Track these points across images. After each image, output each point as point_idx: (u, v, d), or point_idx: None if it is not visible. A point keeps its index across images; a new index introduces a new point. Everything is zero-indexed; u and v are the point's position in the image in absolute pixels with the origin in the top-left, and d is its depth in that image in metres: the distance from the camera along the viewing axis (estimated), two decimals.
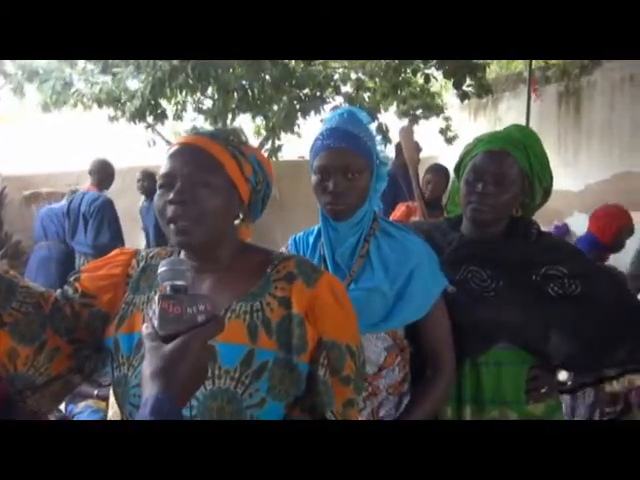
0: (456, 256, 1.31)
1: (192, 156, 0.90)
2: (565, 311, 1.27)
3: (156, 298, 0.70)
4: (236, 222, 0.94)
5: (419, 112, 6.13)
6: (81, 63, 5.37)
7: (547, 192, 1.39)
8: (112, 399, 2.76)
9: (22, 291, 0.93)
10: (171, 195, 0.87)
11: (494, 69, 6.74)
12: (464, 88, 5.52)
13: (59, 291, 0.99)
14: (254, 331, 0.88)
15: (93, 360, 0.99)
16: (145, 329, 0.71)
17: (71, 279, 1.00)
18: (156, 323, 0.69)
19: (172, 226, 0.88)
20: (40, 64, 5.38)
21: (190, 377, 0.68)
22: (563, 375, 1.54)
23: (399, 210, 3.34)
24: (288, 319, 0.89)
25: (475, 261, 1.31)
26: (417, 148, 4.10)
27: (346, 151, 1.14)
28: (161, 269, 0.74)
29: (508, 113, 6.32)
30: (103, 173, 4.19)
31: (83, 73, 5.36)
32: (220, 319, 0.74)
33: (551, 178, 1.38)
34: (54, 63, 5.32)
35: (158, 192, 0.91)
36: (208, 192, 0.88)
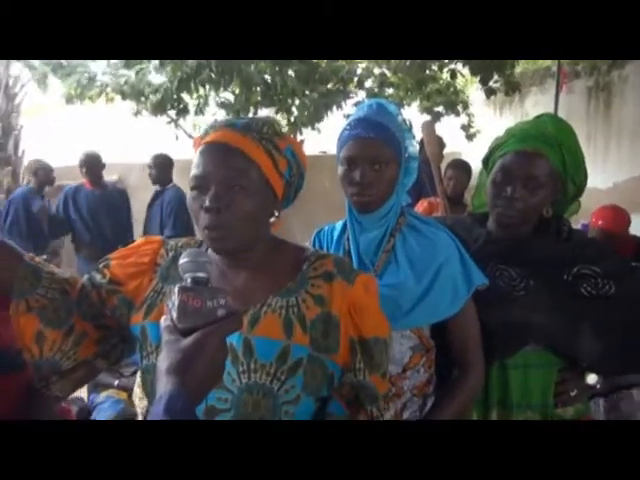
0: (483, 253, 1.25)
1: (226, 157, 0.87)
2: (598, 312, 1.22)
3: (176, 290, 0.68)
4: (271, 220, 0.93)
5: (441, 108, 6.05)
6: None
7: (580, 189, 1.34)
8: (137, 390, 2.81)
9: (47, 277, 0.94)
10: (206, 202, 0.85)
11: (521, 64, 6.60)
12: (491, 84, 5.42)
13: (86, 277, 0.99)
14: (289, 327, 0.87)
15: (119, 348, 1.00)
16: (163, 321, 0.70)
17: (100, 266, 1.00)
18: (175, 315, 0.68)
19: (207, 232, 0.87)
20: None
21: (206, 373, 0.66)
22: (592, 378, 1.48)
23: (421, 206, 3.30)
24: (323, 318, 0.88)
25: (503, 259, 1.26)
26: (440, 144, 4.04)
27: (374, 141, 1.12)
28: (182, 260, 0.72)
29: (535, 109, 6.20)
30: (92, 167, 4.07)
31: (107, 67, 5.42)
32: (240, 315, 0.72)
33: (585, 176, 1.32)
34: None
35: (191, 194, 0.89)
36: (243, 196, 0.86)
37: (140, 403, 2.71)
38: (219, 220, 0.85)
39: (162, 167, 4.20)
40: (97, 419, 2.88)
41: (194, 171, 0.88)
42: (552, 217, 1.31)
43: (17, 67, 5.62)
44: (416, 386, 1.17)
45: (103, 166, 4.17)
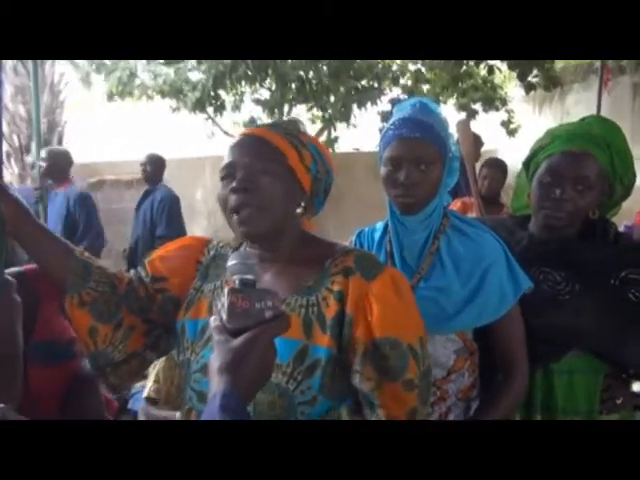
0: (526, 256, 1.22)
1: (252, 146, 0.91)
2: None
3: (225, 291, 0.70)
4: (298, 210, 0.93)
5: (478, 105, 5.93)
6: None
7: (628, 191, 1.30)
8: (154, 372, 2.92)
9: (97, 271, 0.98)
10: (234, 184, 0.88)
11: None
12: (529, 79, 5.29)
13: (133, 272, 1.03)
14: (309, 326, 0.87)
15: (165, 339, 1.02)
16: (213, 322, 0.71)
17: (145, 261, 1.03)
18: (224, 316, 0.69)
19: (235, 216, 0.88)
20: None
21: (256, 373, 0.67)
22: (638, 386, 1.44)
23: (454, 206, 3.24)
24: (341, 315, 0.87)
25: (547, 262, 1.23)
26: (478, 142, 3.97)
27: (420, 141, 1.10)
28: (230, 262, 0.73)
29: (577, 106, 6.01)
30: (52, 166, 3.70)
31: (147, 64, 5.54)
32: (287, 317, 0.72)
33: (634, 175, 1.28)
34: None
35: (221, 184, 0.92)
36: (269, 180, 0.88)
37: (148, 384, 2.80)
38: (245, 199, 0.87)
39: (156, 165, 4.09)
40: (133, 408, 3.00)
41: (223, 162, 0.91)
42: (598, 219, 1.27)
43: (62, 64, 5.80)
44: (460, 390, 1.16)
45: (69, 164, 3.81)
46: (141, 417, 2.83)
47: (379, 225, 1.27)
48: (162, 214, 3.91)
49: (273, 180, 0.88)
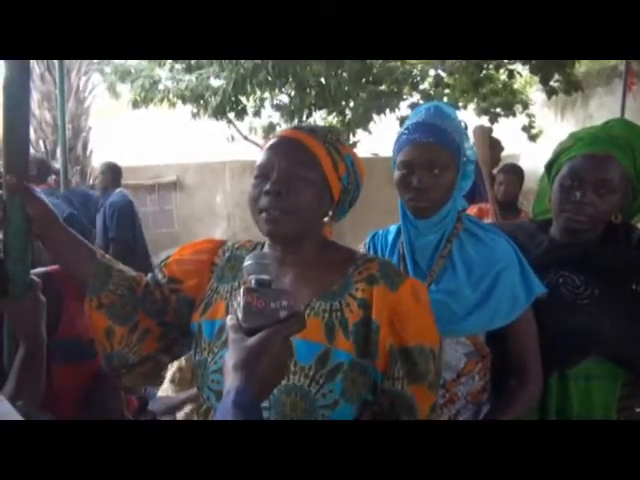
0: (546, 259, 1.22)
1: (290, 149, 0.92)
2: None
3: (241, 291, 0.71)
4: (325, 219, 0.94)
5: (499, 109, 5.87)
6: (168, 63, 5.63)
7: None
8: (172, 371, 2.93)
9: (117, 274, 1.00)
10: (267, 186, 0.89)
11: (585, 62, 6.30)
12: (551, 84, 5.23)
13: (150, 275, 1.05)
14: (331, 331, 0.88)
15: (180, 343, 1.04)
16: (229, 320, 0.72)
17: (161, 264, 1.05)
18: (240, 315, 0.70)
19: (264, 215, 0.90)
20: (132, 64, 5.72)
21: (270, 372, 0.68)
22: None
23: (470, 211, 3.24)
24: (365, 322, 0.88)
25: (567, 266, 1.22)
26: (497, 147, 3.94)
27: (433, 146, 1.10)
28: (247, 262, 0.74)
29: (600, 111, 5.91)
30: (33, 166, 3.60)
31: (170, 72, 5.63)
32: (302, 317, 0.73)
33: None
34: (144, 63, 5.63)
35: (253, 182, 0.93)
36: (302, 186, 0.89)
37: (165, 385, 2.84)
38: (278, 203, 0.88)
39: (105, 174, 4.19)
40: (153, 409, 3.02)
41: (259, 161, 0.93)
42: (620, 224, 1.25)
43: (88, 71, 5.95)
44: (470, 392, 1.16)
45: (46, 170, 3.67)
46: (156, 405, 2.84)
47: (393, 228, 1.28)
48: (112, 217, 4.08)
49: (306, 187, 0.89)
